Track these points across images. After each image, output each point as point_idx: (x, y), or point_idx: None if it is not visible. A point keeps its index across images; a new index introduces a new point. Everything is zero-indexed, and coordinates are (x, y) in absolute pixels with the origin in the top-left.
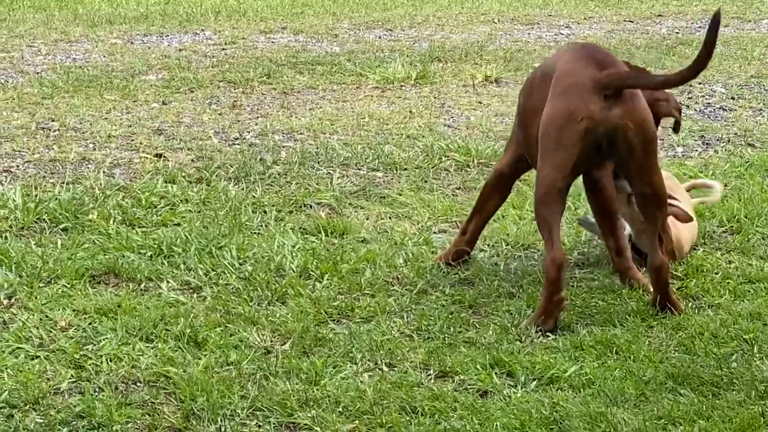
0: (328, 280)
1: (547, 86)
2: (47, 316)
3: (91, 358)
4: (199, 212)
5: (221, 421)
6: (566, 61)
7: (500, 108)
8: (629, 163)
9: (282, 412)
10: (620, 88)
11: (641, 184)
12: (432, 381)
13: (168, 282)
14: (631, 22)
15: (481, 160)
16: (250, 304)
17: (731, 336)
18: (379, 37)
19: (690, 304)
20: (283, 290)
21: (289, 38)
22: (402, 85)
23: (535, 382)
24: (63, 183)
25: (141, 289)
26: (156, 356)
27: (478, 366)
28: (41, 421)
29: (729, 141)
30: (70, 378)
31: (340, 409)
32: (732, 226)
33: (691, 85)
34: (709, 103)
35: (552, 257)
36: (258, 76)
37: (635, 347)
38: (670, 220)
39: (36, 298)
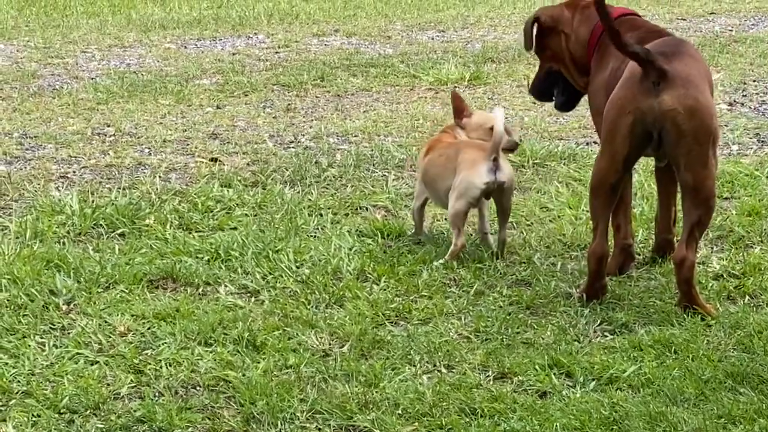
0: (385, 282)
1: None
2: (106, 322)
3: (150, 363)
4: (256, 216)
5: (281, 424)
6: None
7: (553, 108)
8: (678, 151)
9: (341, 415)
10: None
11: (685, 173)
12: (491, 382)
13: (226, 286)
14: (684, 20)
15: (536, 161)
16: (308, 307)
17: None
18: (432, 39)
19: (747, 302)
20: (341, 293)
21: (342, 41)
22: (455, 86)
23: (594, 383)
24: (119, 188)
25: (199, 294)
26: (215, 360)
27: (536, 367)
28: (102, 426)
29: None
30: (129, 383)
31: (400, 412)
32: None
33: (745, 83)
34: (764, 101)
35: (593, 249)
36: (311, 79)
37: (694, 346)
38: None
39: (94, 303)
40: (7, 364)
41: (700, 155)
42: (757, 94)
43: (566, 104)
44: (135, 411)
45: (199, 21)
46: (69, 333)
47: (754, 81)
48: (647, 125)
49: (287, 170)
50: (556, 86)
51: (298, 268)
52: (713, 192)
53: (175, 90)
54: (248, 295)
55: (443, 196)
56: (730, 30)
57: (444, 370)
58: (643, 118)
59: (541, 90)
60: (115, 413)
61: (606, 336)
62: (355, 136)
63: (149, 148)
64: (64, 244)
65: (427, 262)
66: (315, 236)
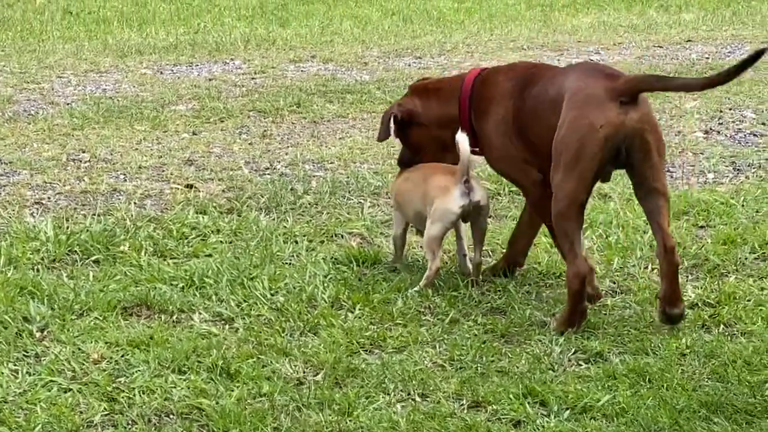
0: (359, 310)
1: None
2: (80, 349)
3: (123, 391)
4: (231, 243)
5: None
6: (575, 79)
7: None
8: (645, 164)
9: None
10: (643, 92)
11: (654, 182)
12: (465, 411)
13: (200, 313)
14: (661, 47)
15: (511, 188)
16: (283, 335)
17: (764, 363)
18: (409, 65)
19: (722, 331)
20: (315, 321)
21: (318, 67)
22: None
23: (568, 412)
24: (94, 215)
25: (173, 321)
26: (189, 388)
27: (510, 396)
28: None
29: (760, 167)
30: (102, 411)
31: None
32: (764, 253)
33: (721, 111)
34: (739, 129)
35: (576, 270)
36: (288, 106)
37: (668, 375)
38: None
39: (68, 330)
40: None
41: (662, 165)
42: (733, 122)
43: None
44: None
45: (175, 46)
46: (42, 360)
47: (730, 109)
48: (618, 141)
49: (263, 197)
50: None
51: (272, 295)
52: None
53: (151, 116)
54: (222, 322)
55: (412, 219)
56: (707, 57)
57: (418, 399)
58: (615, 134)
59: (408, 163)
60: None
61: (580, 365)
62: (331, 162)
63: (124, 175)
64: (38, 270)
65: (402, 290)
66: (290, 263)
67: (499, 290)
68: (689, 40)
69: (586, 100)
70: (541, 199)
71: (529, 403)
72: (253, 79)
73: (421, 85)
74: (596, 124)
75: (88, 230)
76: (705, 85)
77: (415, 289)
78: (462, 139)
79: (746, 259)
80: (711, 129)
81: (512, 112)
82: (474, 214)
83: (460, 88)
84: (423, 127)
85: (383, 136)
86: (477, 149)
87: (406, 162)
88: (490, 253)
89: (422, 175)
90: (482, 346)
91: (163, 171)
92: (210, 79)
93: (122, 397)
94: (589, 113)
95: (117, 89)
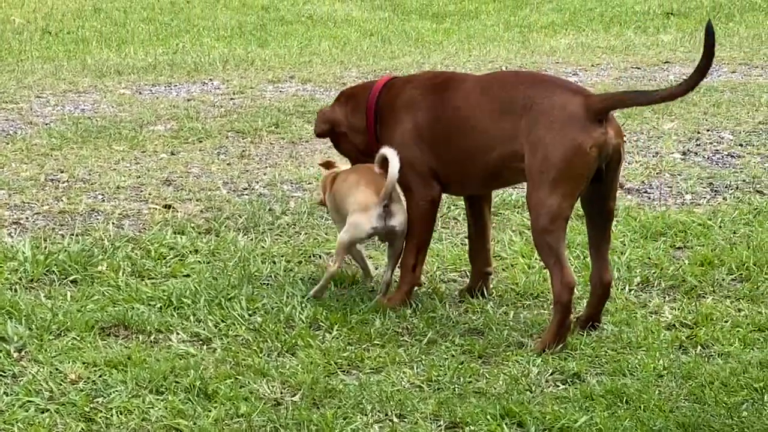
0: (337, 330)
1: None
2: (57, 369)
3: (101, 411)
4: (209, 263)
5: None
6: (544, 93)
7: None
8: (612, 179)
9: None
10: (621, 108)
11: (612, 200)
12: None
13: (178, 334)
14: (639, 68)
15: (508, 205)
16: (260, 355)
17: (741, 385)
18: None
19: (700, 352)
20: (293, 341)
21: (297, 87)
22: None
23: None
24: (72, 235)
25: (151, 341)
26: (166, 409)
27: (488, 416)
28: None
29: (737, 188)
30: (80, 431)
31: None
32: (741, 274)
33: (699, 132)
34: (717, 150)
35: (566, 281)
36: (266, 126)
37: (645, 397)
38: None
39: (46, 350)
40: None
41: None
42: (710, 143)
43: None
44: None
45: (154, 67)
46: (20, 380)
47: (708, 130)
48: (603, 159)
49: (241, 217)
50: None
51: (250, 315)
52: None
53: (130, 136)
54: (200, 342)
55: (338, 222)
56: (685, 78)
57: (396, 420)
58: (601, 152)
59: None
60: None
61: (558, 386)
62: (309, 183)
63: (103, 195)
64: (15, 290)
65: (380, 311)
66: (268, 284)
67: (477, 311)
68: (667, 62)
69: (569, 119)
70: (426, 212)
71: (506, 424)
72: (231, 99)
73: (345, 90)
74: (585, 146)
75: (66, 250)
76: (676, 94)
77: (309, 295)
78: (392, 156)
79: (723, 280)
80: (689, 150)
81: (427, 121)
82: (389, 237)
83: (368, 96)
84: (342, 135)
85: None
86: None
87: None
88: (467, 273)
89: (354, 181)
90: (460, 366)
91: (142, 191)
92: (188, 100)
93: (100, 418)
94: (576, 135)
95: (95, 109)
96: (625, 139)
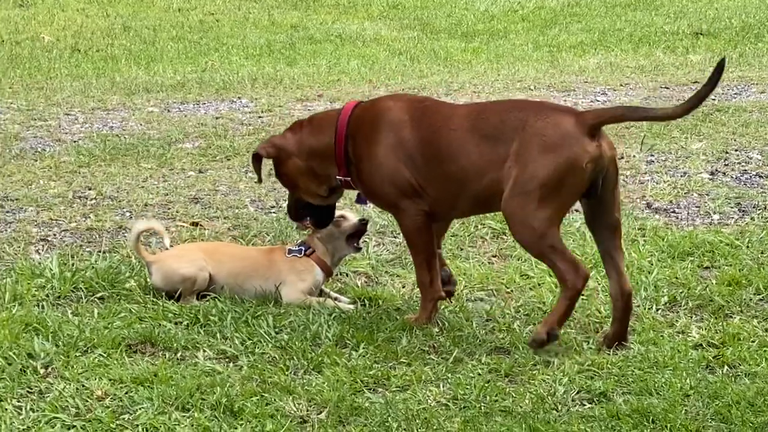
0: (364, 348)
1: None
2: (84, 386)
3: (127, 428)
4: None
5: None
6: (535, 116)
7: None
8: (612, 191)
9: None
10: (615, 123)
11: (616, 212)
12: None
13: (204, 351)
14: (667, 88)
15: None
16: (287, 373)
17: None
18: None
19: (726, 372)
20: (319, 359)
21: (325, 105)
22: None
23: None
24: (100, 252)
25: (177, 359)
26: (192, 426)
27: None
28: None
29: (765, 208)
30: None
31: None
32: None
33: (727, 152)
34: (745, 170)
35: (582, 272)
36: None
37: (672, 416)
38: None
39: (72, 367)
40: None
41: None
42: (738, 163)
43: (320, 222)
44: None
45: (182, 85)
46: (46, 397)
47: (736, 150)
48: (598, 173)
49: (268, 235)
50: (306, 209)
51: (277, 333)
52: None
53: (158, 154)
54: (227, 360)
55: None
56: (713, 99)
57: None
58: (596, 167)
59: (295, 214)
60: None
61: (584, 405)
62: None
63: (130, 212)
64: (43, 307)
65: (407, 329)
66: None
67: (503, 330)
68: (696, 82)
69: (563, 137)
70: (423, 225)
71: None
72: (260, 117)
73: (296, 122)
74: (581, 162)
75: (93, 267)
76: (672, 115)
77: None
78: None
79: (751, 300)
80: (717, 170)
81: (415, 140)
82: None
83: (337, 119)
84: (289, 162)
85: (258, 179)
86: (348, 179)
87: (294, 215)
88: (495, 293)
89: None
90: (486, 385)
91: (169, 208)
92: (217, 118)
93: None
94: (571, 151)
95: (124, 127)
96: (615, 152)
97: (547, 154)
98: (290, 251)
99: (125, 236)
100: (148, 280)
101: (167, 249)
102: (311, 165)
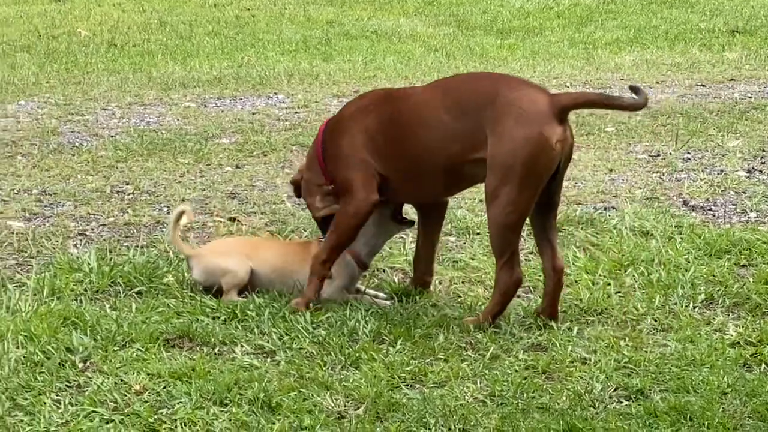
0: (401, 344)
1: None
2: (122, 380)
3: (165, 422)
4: None
5: None
6: (508, 89)
7: (573, 172)
8: (562, 176)
9: None
10: (587, 108)
11: (559, 195)
12: None
13: (242, 346)
14: (704, 86)
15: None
16: (324, 368)
17: None
18: None
19: (764, 370)
20: (357, 355)
21: None
22: None
23: None
24: (137, 246)
25: (215, 353)
26: (230, 420)
27: None
28: None
29: None
30: None
31: None
32: None
33: (764, 150)
34: None
35: (516, 277)
36: None
37: (709, 414)
38: None
39: (111, 361)
40: (22, 421)
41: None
42: None
43: None
44: None
45: (219, 80)
46: (85, 391)
47: None
48: (563, 156)
49: (305, 231)
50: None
51: (314, 329)
52: None
53: (195, 149)
54: (264, 355)
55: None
56: (750, 97)
57: None
58: (563, 149)
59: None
60: None
61: (621, 402)
62: None
63: (168, 207)
64: (81, 301)
65: (444, 325)
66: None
67: (540, 327)
68: (732, 79)
69: (537, 114)
70: (355, 216)
71: None
72: (296, 113)
73: None
74: (552, 141)
75: (131, 262)
76: (636, 106)
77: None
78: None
79: None
80: (753, 168)
81: (378, 125)
82: None
83: (317, 137)
84: (303, 186)
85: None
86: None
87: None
88: (531, 289)
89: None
90: (523, 382)
91: (206, 204)
92: (253, 113)
93: (164, 429)
94: (543, 129)
95: (161, 122)
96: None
97: (523, 130)
98: None
99: (163, 231)
100: (187, 274)
101: (190, 223)
102: (319, 182)
